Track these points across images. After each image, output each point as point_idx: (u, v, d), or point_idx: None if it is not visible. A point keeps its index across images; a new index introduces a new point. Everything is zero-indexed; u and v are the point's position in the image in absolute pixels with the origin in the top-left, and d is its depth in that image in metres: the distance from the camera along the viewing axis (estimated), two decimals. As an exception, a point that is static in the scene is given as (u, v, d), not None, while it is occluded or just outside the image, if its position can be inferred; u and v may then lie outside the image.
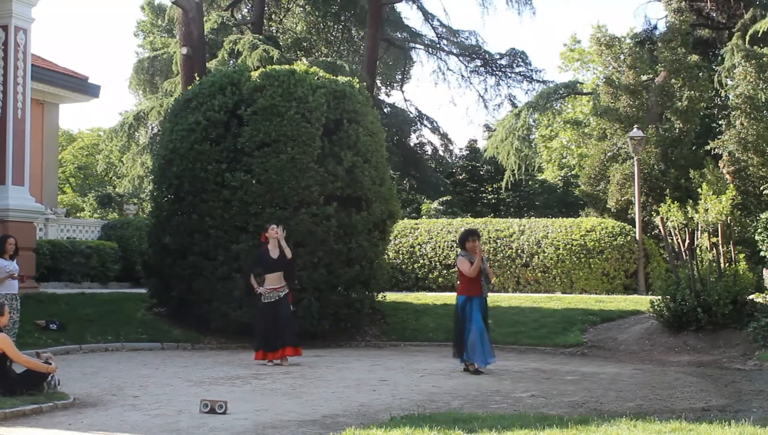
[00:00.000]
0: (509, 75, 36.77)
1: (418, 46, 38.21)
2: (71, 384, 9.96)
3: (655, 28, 32.91)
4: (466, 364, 11.95)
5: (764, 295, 16.54)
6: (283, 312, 12.92)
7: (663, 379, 11.35)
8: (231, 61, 31.31)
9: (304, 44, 38.47)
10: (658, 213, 18.63)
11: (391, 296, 18.24)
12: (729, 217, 16.50)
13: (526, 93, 36.40)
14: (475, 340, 11.87)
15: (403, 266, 23.21)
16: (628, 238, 21.90)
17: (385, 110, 36.81)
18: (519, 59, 36.43)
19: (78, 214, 44.54)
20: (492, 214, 36.67)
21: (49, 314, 15.24)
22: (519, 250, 22.30)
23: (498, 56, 36.60)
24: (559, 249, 21.90)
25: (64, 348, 13.82)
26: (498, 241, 22.53)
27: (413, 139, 41.01)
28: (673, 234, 16.05)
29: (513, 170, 34.11)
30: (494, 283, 21.51)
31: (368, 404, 9.13)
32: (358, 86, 16.91)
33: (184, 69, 26.18)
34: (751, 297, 15.49)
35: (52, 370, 9.36)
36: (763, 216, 24.36)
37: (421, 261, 23.12)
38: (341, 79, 17.07)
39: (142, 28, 45.62)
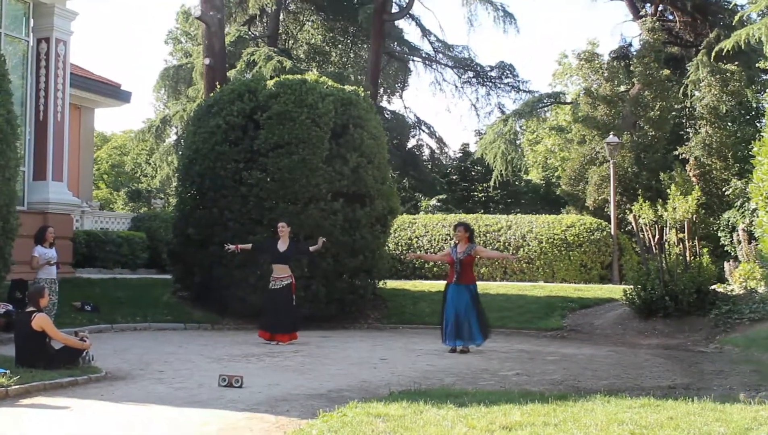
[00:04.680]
0: (498, 85, 36.67)
1: (416, 58, 38.13)
2: (104, 359, 9.98)
3: (630, 45, 32.87)
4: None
5: (725, 285, 16.56)
6: (281, 302, 12.89)
7: (634, 360, 11.36)
8: (248, 71, 31.26)
9: (317, 58, 38.39)
10: (631, 211, 18.63)
11: (391, 284, 18.25)
12: (694, 216, 16.50)
13: (514, 102, 36.33)
14: (445, 324, 11.99)
15: (402, 257, 23.20)
16: (604, 233, 21.90)
17: (386, 116, 36.71)
18: (507, 71, 36.32)
19: (111, 208, 44.55)
20: (482, 211, 36.61)
21: (85, 297, 15.27)
22: (506, 243, 22.31)
23: (488, 68, 36.50)
24: (542, 242, 21.91)
25: (98, 327, 13.83)
26: (487, 234, 22.54)
27: (412, 142, 40.96)
28: (644, 230, 16.05)
29: (500, 170, 34.05)
30: (483, 273, 21.57)
31: (370, 380, 9.14)
32: (362, 94, 16.91)
33: (207, 78, 26.13)
34: (713, 287, 15.50)
35: (86, 346, 9.38)
36: (725, 215, 24.40)
37: (418, 252, 23.09)
38: (347, 87, 17.06)
39: (173, 37, 45.55)
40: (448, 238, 22.39)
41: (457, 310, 11.91)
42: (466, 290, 12.05)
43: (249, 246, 13.47)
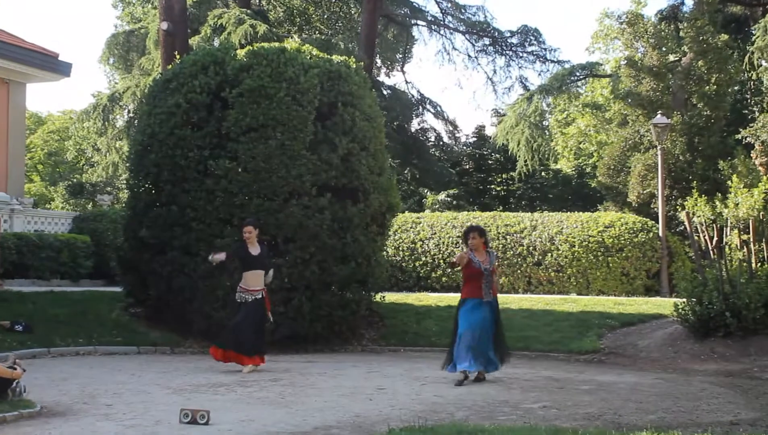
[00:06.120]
0: (520, 55, 36.63)
1: (420, 22, 38.14)
2: (38, 391, 9.95)
3: (683, 3, 32.88)
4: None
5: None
6: (258, 317, 12.85)
7: (687, 390, 11.36)
8: (214, 38, 31.27)
9: (297, 20, 38.42)
10: (683, 207, 18.68)
11: (390, 297, 18.26)
12: (762, 213, 16.52)
13: (539, 75, 36.32)
14: (454, 346, 11.85)
15: (404, 264, 23.23)
16: (651, 234, 21.93)
17: (384, 93, 36.79)
18: (532, 37, 36.24)
19: (47, 205, 44.57)
20: (501, 208, 36.68)
21: (15, 314, 15.23)
22: (530, 247, 22.32)
23: (508, 34, 36.47)
24: (574, 246, 21.92)
25: (31, 352, 13.77)
26: (507, 237, 22.54)
27: (415, 125, 41.03)
28: (699, 230, 16.07)
29: (525, 160, 34.12)
30: (502, 284, 21.55)
31: (364, 415, 9.13)
32: (354, 66, 16.91)
33: (164, 46, 26.13)
34: (785, 300, 15.48)
35: (17, 375, 9.34)
36: (799, 212, 24.38)
37: (423, 258, 23.14)
38: (336, 58, 17.05)
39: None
40: (459, 241, 22.40)
41: (471, 325, 11.82)
42: (487, 304, 11.97)
43: (223, 255, 13.23)
